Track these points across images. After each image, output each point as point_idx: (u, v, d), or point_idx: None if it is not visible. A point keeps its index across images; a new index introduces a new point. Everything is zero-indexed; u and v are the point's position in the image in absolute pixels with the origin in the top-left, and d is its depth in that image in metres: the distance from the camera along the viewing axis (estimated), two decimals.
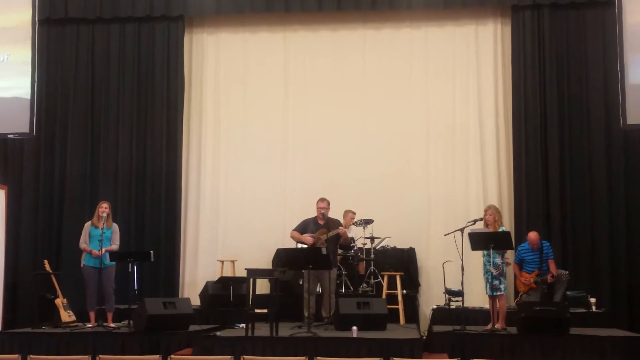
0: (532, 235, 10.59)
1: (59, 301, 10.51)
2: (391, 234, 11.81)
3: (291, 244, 10.65)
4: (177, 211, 12.47)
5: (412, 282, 11.77)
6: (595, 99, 11.85)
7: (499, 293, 9.47)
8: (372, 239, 11.47)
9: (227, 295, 10.86)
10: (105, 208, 10.39)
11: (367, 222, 11.35)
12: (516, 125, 12.05)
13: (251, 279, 9.54)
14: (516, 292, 10.96)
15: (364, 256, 11.55)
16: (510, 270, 10.57)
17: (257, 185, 12.62)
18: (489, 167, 12.27)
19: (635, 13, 11.80)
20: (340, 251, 11.11)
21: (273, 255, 11.92)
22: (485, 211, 9.81)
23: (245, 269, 9.78)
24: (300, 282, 10.67)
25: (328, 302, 10.22)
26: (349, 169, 12.43)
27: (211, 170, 12.83)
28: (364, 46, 12.80)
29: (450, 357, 8.58)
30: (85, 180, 12.50)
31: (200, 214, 12.71)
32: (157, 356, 7.33)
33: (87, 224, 10.49)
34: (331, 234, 10.21)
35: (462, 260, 9.46)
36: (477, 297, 10.90)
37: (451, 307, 10.86)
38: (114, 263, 10.29)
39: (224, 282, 10.96)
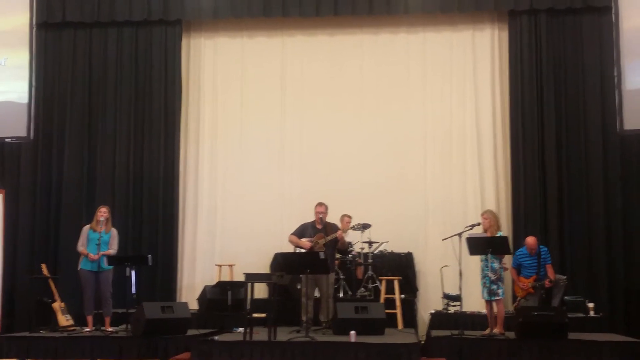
0: (530, 240, 10.59)
1: (57, 305, 10.49)
2: (389, 238, 11.81)
3: (289, 248, 10.65)
4: (175, 215, 12.45)
5: (410, 286, 11.78)
6: (592, 104, 11.88)
7: (496, 298, 9.48)
8: (370, 243, 11.48)
9: (225, 299, 10.84)
10: (104, 212, 10.39)
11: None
12: (513, 130, 12.07)
13: (249, 284, 9.52)
14: (514, 297, 10.96)
15: (362, 261, 11.56)
16: (508, 275, 10.58)
17: (255, 190, 12.61)
18: (487, 172, 12.28)
19: (632, 18, 11.83)
20: (338, 256, 11.12)
21: (271, 259, 11.95)
22: (482, 216, 9.84)
23: (244, 274, 9.75)
24: (298, 287, 10.66)
25: (326, 307, 10.22)
26: (347, 174, 12.44)
27: (209, 174, 12.83)
28: (361, 51, 12.82)
29: None
30: (82, 184, 12.48)
31: (198, 218, 12.71)
32: None
33: (86, 228, 10.48)
34: (329, 238, 10.21)
35: (460, 265, 9.47)
36: (475, 301, 10.90)
37: (449, 311, 10.87)
38: (111, 267, 10.27)
39: (222, 286, 10.95)
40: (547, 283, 10.36)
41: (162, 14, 12.60)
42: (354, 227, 11.28)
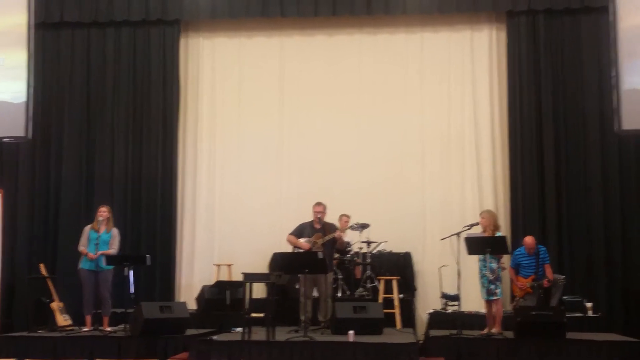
0: (528, 239, 10.61)
1: (55, 305, 10.50)
2: (387, 238, 11.81)
3: (287, 248, 10.65)
4: (173, 215, 12.45)
5: (408, 286, 11.78)
6: (591, 104, 11.89)
7: (495, 297, 9.50)
8: (368, 243, 11.48)
9: (223, 299, 10.82)
10: (104, 212, 10.40)
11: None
12: (512, 130, 12.09)
13: (248, 283, 9.53)
14: (512, 297, 10.98)
15: (361, 260, 11.56)
16: (506, 275, 10.59)
17: (253, 189, 12.62)
18: (485, 172, 12.28)
19: (630, 18, 11.82)
20: (336, 255, 11.12)
21: (269, 259, 11.94)
22: (480, 215, 9.86)
23: (242, 273, 9.75)
24: (297, 286, 10.67)
25: (324, 306, 10.23)
26: (345, 173, 12.44)
27: (207, 174, 12.82)
28: (359, 51, 12.81)
29: None
30: (81, 184, 12.47)
31: (197, 217, 12.70)
32: None
33: (87, 227, 10.50)
34: (327, 238, 10.22)
35: (458, 265, 9.48)
36: (473, 301, 10.88)
37: (448, 311, 10.88)
38: (111, 267, 10.27)
39: (220, 286, 10.94)
40: (545, 283, 10.38)
41: (161, 14, 12.59)
42: (352, 226, 11.28)
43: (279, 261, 10.78)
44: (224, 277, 11.84)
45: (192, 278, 12.49)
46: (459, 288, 9.63)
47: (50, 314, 10.45)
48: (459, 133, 12.45)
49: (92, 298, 10.25)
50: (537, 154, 11.87)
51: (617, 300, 11.36)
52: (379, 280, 11.34)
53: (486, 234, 9.62)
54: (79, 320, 10.55)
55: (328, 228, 10.36)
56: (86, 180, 12.50)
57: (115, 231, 10.54)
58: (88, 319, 10.29)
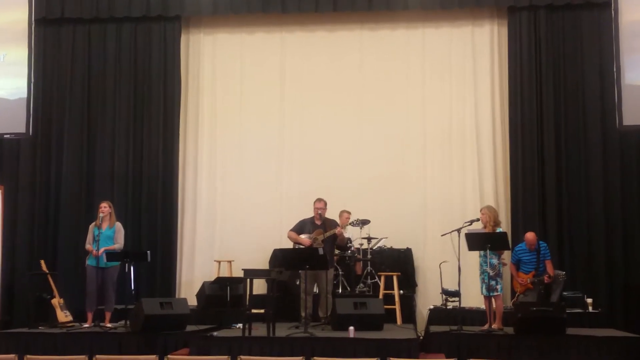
0: (529, 235, 10.61)
1: (56, 301, 10.51)
2: (388, 234, 11.82)
3: (288, 244, 10.65)
4: (174, 211, 12.45)
5: (409, 282, 11.78)
6: (592, 100, 11.88)
7: (495, 293, 9.51)
8: (369, 239, 11.47)
9: (224, 295, 10.82)
10: (104, 208, 10.40)
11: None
12: (512, 125, 12.07)
13: (248, 279, 9.51)
14: (513, 293, 10.98)
15: (361, 256, 11.56)
16: (506, 271, 10.59)
17: (254, 186, 12.61)
18: (486, 168, 12.28)
19: (631, 13, 11.82)
20: (337, 251, 11.12)
21: (270, 255, 11.94)
22: (481, 211, 9.85)
23: (242, 269, 9.74)
24: (297, 283, 10.67)
25: (325, 303, 10.23)
26: (346, 170, 12.43)
27: (208, 170, 12.82)
28: (360, 47, 12.80)
29: (447, 357, 8.63)
30: (81, 181, 12.47)
31: (197, 214, 12.70)
32: (154, 356, 7.31)
33: (91, 225, 10.51)
34: (328, 234, 10.23)
35: (459, 261, 9.48)
36: (474, 297, 10.87)
37: (448, 307, 10.85)
38: (117, 263, 10.26)
39: (220, 282, 10.94)
40: (546, 279, 10.37)
41: (161, 10, 12.58)
42: (352, 223, 11.27)
43: (280, 257, 10.79)
44: (225, 274, 11.86)
45: (193, 274, 12.50)
46: (459, 284, 9.62)
47: (51, 310, 10.46)
48: (459, 129, 12.43)
49: (95, 295, 10.25)
50: (538, 150, 11.85)
51: (617, 296, 11.35)
52: (379, 276, 11.34)
53: (487, 230, 9.61)
54: (79, 317, 10.55)
55: (329, 224, 10.37)
56: (87, 177, 12.50)
57: (118, 225, 10.53)
58: (90, 315, 10.28)
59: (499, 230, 9.66)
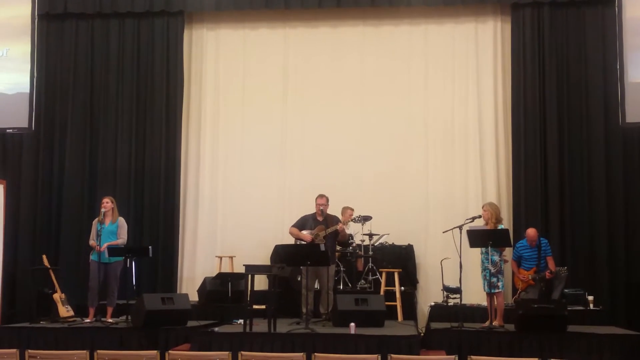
0: (531, 231, 10.61)
1: (57, 296, 10.50)
2: (389, 230, 11.82)
3: (290, 240, 10.65)
4: (176, 207, 12.44)
5: (410, 279, 11.77)
6: (595, 97, 11.85)
7: (496, 290, 9.50)
8: (370, 235, 11.47)
9: (225, 291, 10.85)
10: (106, 203, 10.41)
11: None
12: (515, 122, 12.05)
13: (249, 275, 9.53)
14: (514, 290, 10.97)
15: (362, 253, 11.55)
16: (508, 268, 10.58)
17: (256, 181, 12.61)
18: (488, 164, 12.27)
19: (635, 8, 11.79)
20: (338, 248, 11.13)
21: (271, 251, 11.94)
22: (483, 208, 9.84)
23: (244, 265, 9.75)
24: (299, 279, 10.67)
25: (326, 299, 10.23)
26: (348, 166, 12.43)
27: (210, 166, 12.82)
28: (363, 43, 12.79)
29: (447, 354, 8.59)
30: (84, 176, 12.48)
31: (199, 209, 12.70)
32: (155, 352, 7.31)
33: (95, 220, 10.53)
34: (329, 230, 10.22)
35: (460, 258, 9.48)
36: (475, 294, 10.90)
37: (449, 304, 10.88)
38: (120, 259, 10.26)
39: (222, 278, 10.95)
40: (547, 274, 10.36)
41: (164, 5, 12.58)
42: (354, 219, 11.28)
43: (281, 253, 10.79)
44: (226, 269, 11.87)
45: (194, 270, 12.50)
46: (460, 281, 9.62)
47: (53, 305, 10.45)
48: (462, 126, 12.42)
49: (97, 290, 10.25)
50: (541, 147, 11.83)
51: (618, 294, 11.34)
52: (380, 272, 11.34)
53: (488, 227, 9.61)
54: (80, 312, 10.57)
55: (330, 220, 10.36)
56: (89, 172, 12.50)
57: (121, 220, 10.53)
58: (92, 310, 10.30)
59: (500, 227, 9.65)
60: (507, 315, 9.61)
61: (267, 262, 11.80)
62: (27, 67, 12.64)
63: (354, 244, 11.53)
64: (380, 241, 11.80)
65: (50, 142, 12.62)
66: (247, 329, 9.10)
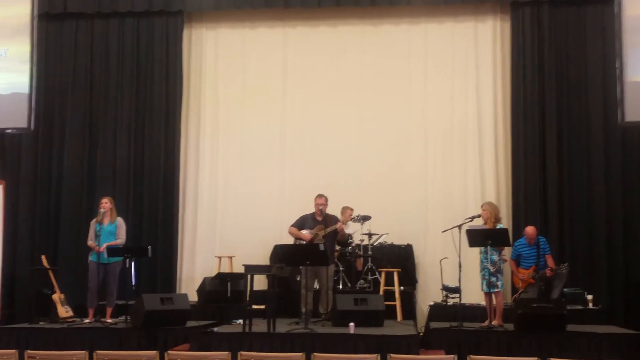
0: (530, 229, 10.61)
1: (57, 296, 10.50)
2: (389, 230, 11.82)
3: (289, 240, 10.65)
4: (175, 207, 12.44)
5: (409, 278, 11.77)
6: (594, 95, 11.85)
7: (495, 290, 9.50)
8: (369, 235, 11.47)
9: (224, 291, 10.84)
10: (105, 203, 10.41)
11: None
12: (514, 121, 12.04)
13: (249, 275, 9.53)
14: (513, 289, 10.97)
15: (362, 252, 11.55)
16: (507, 267, 10.57)
17: (255, 181, 12.61)
18: (487, 164, 12.27)
19: (634, 7, 11.76)
20: (337, 247, 11.12)
21: (271, 251, 11.95)
22: (481, 208, 9.83)
23: (243, 265, 9.76)
24: (298, 279, 10.67)
25: (325, 298, 10.23)
26: (347, 165, 12.42)
27: (209, 165, 12.82)
28: (363, 42, 12.78)
29: (447, 354, 8.60)
30: (83, 176, 12.47)
31: (198, 209, 12.71)
32: (155, 352, 7.32)
33: (93, 221, 10.53)
34: (329, 229, 10.21)
35: (459, 257, 9.48)
36: (474, 293, 10.87)
37: (448, 303, 10.87)
38: (119, 259, 10.27)
39: (221, 278, 10.95)
40: (547, 272, 10.36)
41: (164, 5, 12.58)
42: (353, 218, 11.29)
43: (280, 253, 10.81)
44: (225, 269, 11.86)
45: (194, 270, 12.51)
46: (459, 280, 9.63)
47: (52, 305, 10.44)
48: (461, 125, 12.42)
49: (97, 291, 10.25)
50: (540, 146, 11.82)
51: (618, 293, 11.33)
52: (380, 272, 11.34)
53: (487, 226, 9.60)
54: (80, 312, 10.57)
55: (330, 220, 10.35)
56: (88, 172, 12.50)
57: (120, 221, 10.54)
58: (91, 311, 10.29)
59: (499, 226, 9.66)
60: (506, 314, 9.63)
61: (267, 262, 11.82)
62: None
63: (353, 244, 11.52)
64: (379, 241, 11.79)
65: (50, 142, 12.62)
66: (247, 329, 9.10)
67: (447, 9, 12.60)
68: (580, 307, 10.64)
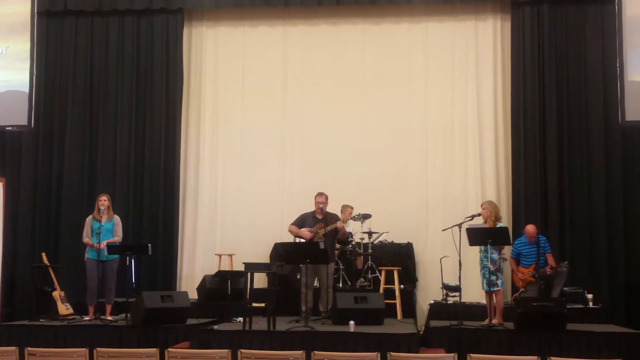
0: (530, 227, 10.63)
1: (57, 294, 10.53)
2: (389, 228, 11.82)
3: (289, 238, 10.65)
4: (175, 205, 12.44)
5: (409, 277, 11.78)
6: (594, 95, 11.85)
7: (496, 288, 9.49)
8: (370, 233, 11.47)
9: (224, 289, 10.86)
10: (105, 201, 10.40)
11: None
12: (515, 120, 12.05)
13: (249, 273, 9.52)
14: (513, 288, 10.97)
15: (362, 251, 11.56)
16: (507, 266, 10.58)
17: (255, 179, 12.62)
18: (487, 162, 12.27)
19: (635, 5, 11.79)
20: (338, 246, 11.11)
21: (271, 249, 11.94)
22: (481, 206, 9.84)
23: (243, 263, 9.76)
24: (298, 277, 10.66)
25: (325, 297, 10.22)
26: (348, 164, 12.43)
27: (209, 163, 12.83)
28: (363, 41, 12.79)
29: (447, 352, 8.56)
30: (83, 173, 12.48)
31: (199, 207, 12.71)
32: (155, 349, 7.32)
33: (89, 218, 10.50)
34: (329, 228, 10.20)
35: (459, 256, 9.48)
36: (474, 292, 10.90)
37: (448, 302, 10.87)
38: (116, 256, 10.28)
39: (221, 276, 10.97)
40: (548, 270, 10.37)
41: (164, 3, 12.58)
42: (354, 217, 11.28)
43: (281, 251, 10.80)
44: (226, 267, 11.88)
45: (194, 268, 12.52)
46: (460, 279, 9.62)
47: (52, 302, 10.47)
48: (462, 124, 12.42)
49: (97, 288, 10.26)
50: (540, 145, 11.83)
51: (618, 292, 11.34)
52: (380, 270, 11.34)
53: (487, 225, 9.61)
54: (80, 309, 10.57)
55: (330, 218, 10.34)
56: (88, 170, 12.50)
57: (117, 218, 10.55)
58: (91, 308, 10.29)
59: (499, 225, 9.65)
60: (507, 313, 9.62)
61: (267, 260, 11.81)
62: (27, 64, 12.64)
63: (353, 242, 11.52)
64: (379, 239, 11.80)
65: (50, 140, 12.62)
66: (247, 327, 9.10)
67: (448, 8, 12.60)
68: (580, 306, 10.64)
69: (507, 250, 10.42)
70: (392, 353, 6.97)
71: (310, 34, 12.92)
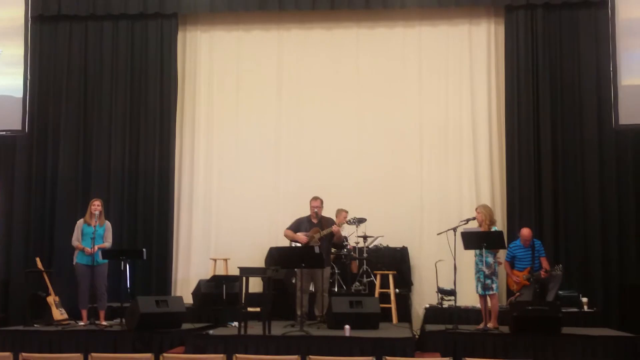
0: (525, 231, 10.64)
1: (51, 299, 10.50)
2: (384, 233, 11.81)
3: (284, 242, 10.65)
4: (170, 209, 12.43)
5: (404, 281, 11.77)
6: (588, 99, 11.89)
7: (491, 292, 9.50)
8: (365, 237, 11.47)
9: (219, 293, 10.79)
10: (98, 206, 10.38)
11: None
12: (509, 124, 12.07)
13: (244, 278, 9.52)
14: (508, 292, 10.98)
15: (357, 255, 11.55)
16: (502, 270, 10.59)
17: (250, 184, 12.60)
18: (482, 166, 12.28)
19: (628, 10, 11.80)
20: (333, 250, 11.12)
21: (266, 253, 11.94)
22: (476, 210, 9.85)
23: (238, 268, 9.76)
24: (293, 281, 10.67)
25: (321, 301, 10.23)
26: (342, 168, 12.43)
27: (204, 168, 12.81)
28: (357, 45, 12.79)
29: (442, 356, 8.61)
30: (77, 178, 12.46)
31: (193, 212, 12.69)
32: (150, 354, 7.29)
33: (80, 222, 10.48)
34: (324, 232, 10.22)
35: (454, 260, 9.49)
36: (469, 296, 10.90)
37: (444, 306, 10.89)
38: (106, 261, 10.28)
39: (216, 280, 10.92)
40: (542, 273, 10.38)
41: (158, 7, 12.57)
42: (349, 221, 11.27)
43: (276, 255, 10.77)
44: (221, 272, 11.85)
45: (189, 272, 12.49)
46: (455, 283, 9.63)
47: (47, 308, 10.44)
48: (456, 128, 12.43)
49: (88, 292, 10.25)
50: (534, 149, 11.85)
51: (612, 296, 11.36)
52: (375, 274, 11.33)
53: (482, 229, 9.61)
54: (74, 315, 10.55)
55: (325, 222, 10.36)
56: (83, 174, 12.48)
57: (108, 224, 10.55)
58: (84, 313, 10.29)
59: (494, 229, 9.65)
60: (502, 317, 9.61)
61: (262, 264, 11.80)
62: (21, 69, 12.59)
63: (348, 246, 11.52)
64: (374, 243, 11.79)
65: (44, 145, 12.59)
66: (242, 332, 9.09)
67: (442, 12, 12.61)
68: (575, 309, 10.64)
69: (502, 254, 10.43)
70: (387, 357, 7.00)
71: (304, 38, 12.92)
